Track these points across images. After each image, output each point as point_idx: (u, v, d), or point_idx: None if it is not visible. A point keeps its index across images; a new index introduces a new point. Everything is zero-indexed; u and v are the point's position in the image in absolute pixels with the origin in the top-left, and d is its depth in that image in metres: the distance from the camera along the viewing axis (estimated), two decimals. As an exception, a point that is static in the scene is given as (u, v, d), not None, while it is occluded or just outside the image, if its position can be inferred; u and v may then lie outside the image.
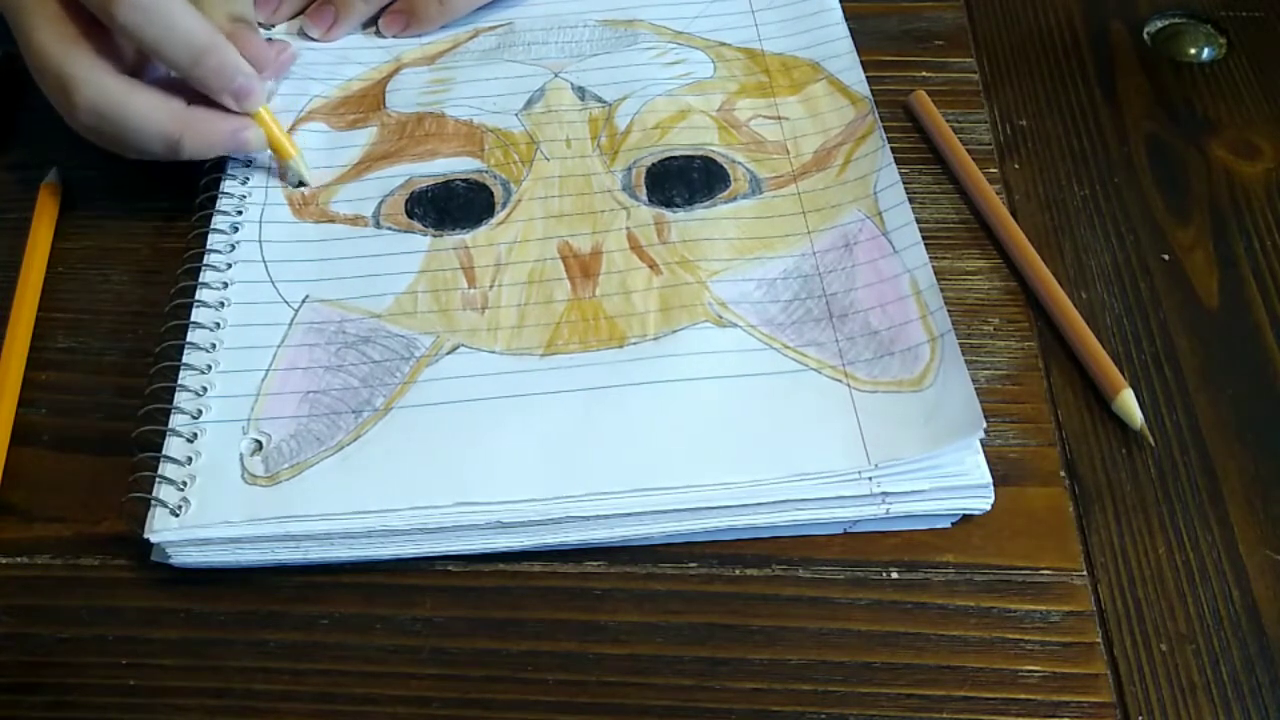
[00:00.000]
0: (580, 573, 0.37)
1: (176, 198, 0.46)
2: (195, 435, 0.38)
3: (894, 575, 0.37)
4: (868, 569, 0.37)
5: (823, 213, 0.45)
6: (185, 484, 0.37)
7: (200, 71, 0.43)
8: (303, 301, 0.42)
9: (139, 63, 0.45)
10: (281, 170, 0.47)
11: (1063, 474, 0.39)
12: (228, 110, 0.44)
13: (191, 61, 0.42)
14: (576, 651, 0.36)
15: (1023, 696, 0.34)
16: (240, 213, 0.45)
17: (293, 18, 0.53)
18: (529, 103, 0.49)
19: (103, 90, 0.42)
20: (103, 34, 0.43)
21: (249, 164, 0.47)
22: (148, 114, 0.43)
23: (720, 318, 0.41)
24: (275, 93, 0.49)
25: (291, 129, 0.48)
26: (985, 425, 0.36)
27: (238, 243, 0.44)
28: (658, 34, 0.52)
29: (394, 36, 0.52)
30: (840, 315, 0.41)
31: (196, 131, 0.44)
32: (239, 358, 0.40)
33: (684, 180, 0.46)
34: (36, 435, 0.40)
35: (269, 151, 0.46)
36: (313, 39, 0.52)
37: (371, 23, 0.53)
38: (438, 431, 0.38)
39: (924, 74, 0.51)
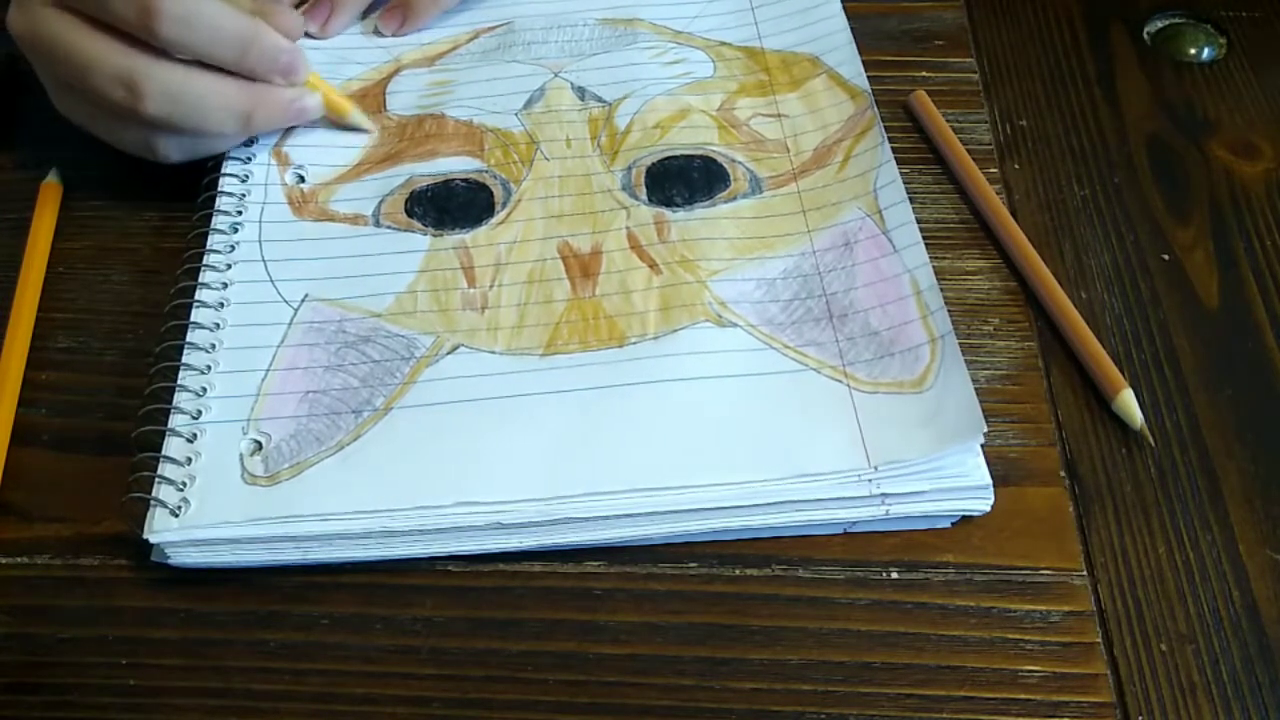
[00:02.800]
0: (580, 573, 0.37)
1: (176, 198, 0.46)
2: (195, 435, 0.38)
3: (894, 575, 0.37)
4: (868, 569, 0.37)
5: (823, 211, 0.45)
6: (185, 484, 0.37)
7: (249, 62, 0.43)
8: (302, 301, 0.42)
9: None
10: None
11: (1063, 474, 0.39)
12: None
13: (240, 56, 0.43)
14: (576, 651, 0.35)
15: (1023, 696, 0.34)
16: (240, 212, 0.45)
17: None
18: (529, 102, 0.49)
19: (170, 76, 0.42)
20: None
21: (248, 161, 0.47)
22: (221, 94, 0.43)
23: (720, 317, 0.41)
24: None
25: (293, 127, 0.48)
26: (986, 428, 0.36)
27: (238, 243, 0.44)
28: (657, 33, 0.52)
29: (393, 34, 0.52)
30: (840, 315, 0.41)
31: (265, 105, 0.44)
32: (239, 358, 0.40)
33: (684, 180, 0.46)
34: (36, 435, 0.40)
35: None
36: (310, 35, 0.52)
37: (371, 23, 0.53)
38: (438, 431, 0.38)
39: (924, 74, 0.51)
